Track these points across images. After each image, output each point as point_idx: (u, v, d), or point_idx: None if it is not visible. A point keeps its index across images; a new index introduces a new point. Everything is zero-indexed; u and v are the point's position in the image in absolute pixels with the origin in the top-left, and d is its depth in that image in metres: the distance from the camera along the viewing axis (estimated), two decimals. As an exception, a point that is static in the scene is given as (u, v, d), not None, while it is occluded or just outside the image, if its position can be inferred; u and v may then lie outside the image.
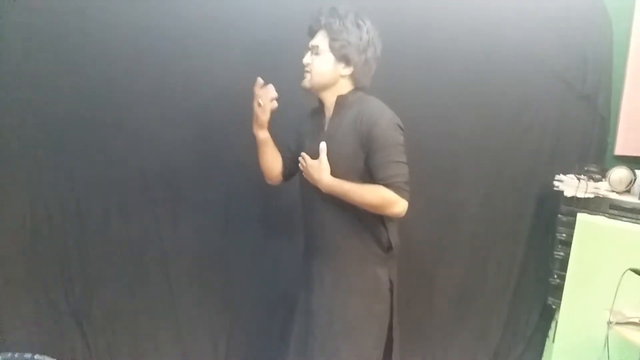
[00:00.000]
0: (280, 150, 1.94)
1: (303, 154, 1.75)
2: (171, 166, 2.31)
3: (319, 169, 1.69)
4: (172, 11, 2.23)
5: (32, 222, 2.26)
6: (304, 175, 1.75)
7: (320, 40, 1.73)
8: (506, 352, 2.65)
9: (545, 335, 2.58)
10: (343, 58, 1.72)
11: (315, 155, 1.71)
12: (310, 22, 1.76)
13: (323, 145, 1.68)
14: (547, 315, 2.55)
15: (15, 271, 2.27)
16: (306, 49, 1.76)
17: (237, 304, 2.45)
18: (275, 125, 1.88)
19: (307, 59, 1.75)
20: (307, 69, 1.75)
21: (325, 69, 1.73)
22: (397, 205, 1.65)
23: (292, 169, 1.93)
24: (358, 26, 1.71)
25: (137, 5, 2.21)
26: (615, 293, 1.76)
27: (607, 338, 1.79)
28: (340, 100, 1.76)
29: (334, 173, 1.68)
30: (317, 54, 1.73)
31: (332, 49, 1.71)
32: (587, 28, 2.49)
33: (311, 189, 1.75)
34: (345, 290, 1.77)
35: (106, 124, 2.25)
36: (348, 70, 1.74)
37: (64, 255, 2.30)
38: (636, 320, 1.72)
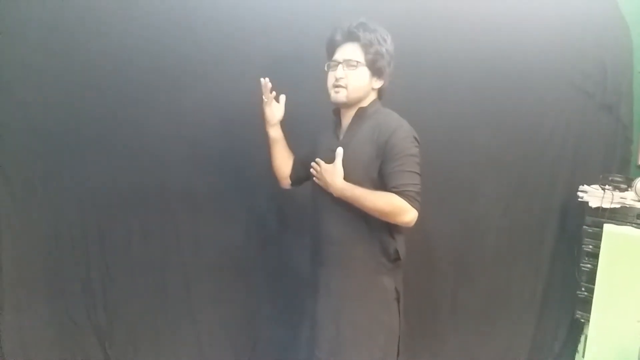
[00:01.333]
0: (293, 153, 1.98)
1: (318, 159, 1.75)
2: (192, 184, 2.32)
3: (332, 172, 1.69)
4: (189, 26, 2.25)
5: (55, 242, 2.28)
6: (316, 181, 1.76)
7: (355, 53, 1.72)
8: (534, 369, 2.59)
9: (574, 351, 2.50)
10: (377, 72, 1.74)
11: (329, 164, 1.73)
12: (334, 33, 1.74)
13: (340, 151, 1.68)
14: (576, 329, 2.49)
15: (38, 291, 2.28)
16: (330, 61, 1.75)
17: (260, 320, 2.43)
18: (291, 134, 1.92)
19: (341, 72, 1.71)
20: (340, 83, 1.71)
21: (362, 83, 1.74)
22: (408, 214, 1.65)
23: (300, 173, 1.94)
24: (385, 40, 1.74)
25: (152, 21, 2.23)
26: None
27: (640, 351, 1.73)
28: (361, 112, 1.77)
29: (348, 182, 1.69)
30: (352, 67, 1.71)
31: (368, 62, 1.72)
32: (604, 36, 2.47)
33: (321, 197, 1.76)
34: (351, 299, 1.77)
35: (126, 144, 2.27)
36: (379, 84, 1.77)
37: (86, 275, 2.31)
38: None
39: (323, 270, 1.81)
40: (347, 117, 1.80)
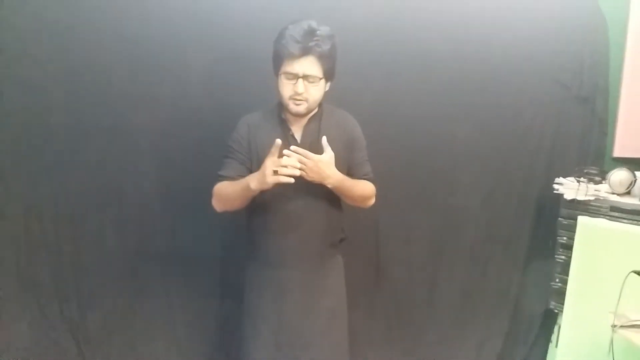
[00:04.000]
0: (236, 179, 1.79)
1: (304, 151, 1.64)
2: (167, 176, 2.29)
3: (329, 163, 1.66)
4: (169, 19, 2.22)
5: (26, 236, 2.24)
6: (304, 175, 1.65)
7: (313, 68, 1.69)
8: (509, 358, 2.62)
9: (548, 340, 2.55)
10: (331, 77, 1.77)
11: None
12: (289, 44, 1.65)
13: (325, 140, 1.67)
14: (550, 319, 2.53)
15: (9, 287, 2.24)
16: (287, 72, 1.68)
17: (238, 313, 2.41)
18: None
19: (302, 87, 1.69)
20: (300, 98, 1.70)
21: (321, 95, 1.76)
22: (374, 197, 1.89)
23: None
24: (334, 43, 1.72)
25: (131, 16, 2.20)
26: (619, 296, 1.74)
27: (611, 342, 1.76)
28: (317, 114, 1.81)
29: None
30: (312, 82, 1.70)
31: (325, 73, 1.72)
32: (583, 31, 2.49)
33: (290, 197, 1.75)
34: (328, 292, 1.86)
35: (100, 135, 2.23)
36: (327, 87, 1.79)
37: (59, 269, 2.27)
38: (641, 323, 1.70)
39: (287, 270, 1.82)
40: (300, 121, 1.79)
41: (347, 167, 1.82)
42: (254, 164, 1.78)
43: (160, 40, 2.22)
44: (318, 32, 1.67)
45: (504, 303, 2.61)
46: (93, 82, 2.22)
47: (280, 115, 1.80)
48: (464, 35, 2.41)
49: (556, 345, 2.38)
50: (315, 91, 1.73)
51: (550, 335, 2.53)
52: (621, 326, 1.72)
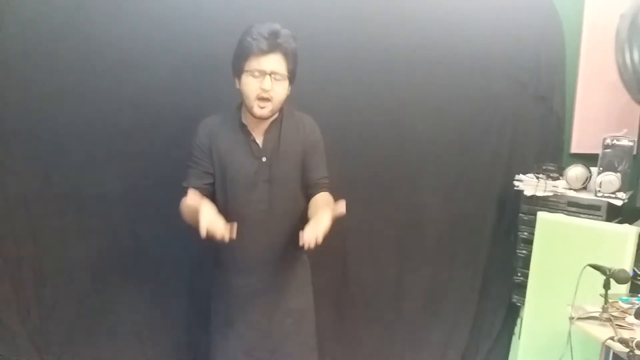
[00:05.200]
0: (202, 189, 1.76)
1: (320, 230, 1.54)
2: (128, 181, 2.24)
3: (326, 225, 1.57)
4: (133, 20, 2.18)
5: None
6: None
7: (280, 65, 1.69)
8: (474, 351, 2.68)
9: (511, 333, 2.61)
10: (292, 79, 1.75)
11: (249, 174, 1.73)
12: (256, 41, 1.65)
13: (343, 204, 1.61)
14: (513, 313, 2.59)
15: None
16: (254, 70, 1.66)
17: (203, 318, 2.39)
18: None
19: (269, 84, 1.67)
20: (267, 95, 1.67)
21: (284, 95, 1.74)
22: None
23: (213, 194, 1.80)
24: (296, 45, 1.74)
25: (95, 17, 2.15)
26: (576, 289, 1.80)
27: (569, 333, 1.82)
28: (279, 119, 1.79)
29: (283, 183, 1.77)
30: (278, 80, 1.69)
31: (289, 72, 1.71)
32: (539, 31, 2.55)
33: (255, 202, 1.75)
34: (295, 294, 1.89)
35: (59, 138, 2.17)
36: (289, 90, 1.77)
37: (18, 277, 2.21)
38: (596, 314, 1.76)
39: (257, 277, 1.82)
40: (261, 124, 1.77)
41: (305, 169, 1.82)
42: (216, 170, 1.76)
43: (123, 42, 2.18)
44: (283, 32, 1.68)
45: (469, 298, 2.66)
46: (51, 84, 2.15)
47: (240, 120, 1.78)
48: (424, 36, 2.44)
49: (519, 338, 2.45)
50: (281, 90, 1.71)
51: (514, 328, 2.59)
52: (578, 318, 1.78)
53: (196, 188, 1.72)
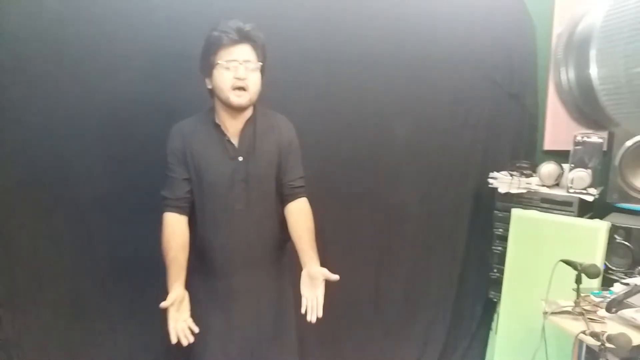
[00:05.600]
0: (181, 200, 1.75)
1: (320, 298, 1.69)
2: (102, 185, 2.19)
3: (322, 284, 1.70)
4: (105, 17, 2.13)
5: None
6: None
7: (252, 55, 1.69)
8: (453, 347, 2.72)
9: (489, 329, 2.65)
10: (263, 72, 1.74)
11: (226, 174, 1.72)
12: (225, 32, 1.66)
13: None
14: (490, 308, 2.63)
15: None
16: (225, 61, 1.66)
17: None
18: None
19: (243, 72, 1.66)
20: (243, 84, 1.66)
21: (259, 86, 1.72)
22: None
23: (193, 201, 1.79)
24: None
25: (67, 14, 2.09)
26: (549, 284, 1.83)
27: (543, 328, 1.85)
28: (254, 116, 1.78)
29: (260, 182, 1.76)
30: (251, 69, 1.68)
31: (261, 64, 1.71)
32: (511, 29, 2.59)
33: (233, 207, 1.74)
34: (275, 296, 1.88)
35: (29, 143, 2.12)
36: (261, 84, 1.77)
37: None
38: (569, 309, 1.79)
39: (238, 278, 1.81)
40: (237, 121, 1.76)
41: (280, 169, 1.81)
42: (192, 174, 1.75)
43: (96, 39, 2.13)
44: (249, 25, 1.69)
45: (447, 294, 2.69)
46: (20, 86, 2.10)
47: (214, 120, 1.76)
48: (401, 35, 2.46)
49: (496, 333, 2.48)
50: (256, 80, 1.70)
51: (491, 324, 2.63)
52: (552, 313, 1.82)
53: (178, 199, 1.73)
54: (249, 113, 1.77)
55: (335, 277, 1.65)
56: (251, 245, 1.79)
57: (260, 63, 1.70)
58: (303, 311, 1.65)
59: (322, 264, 2.51)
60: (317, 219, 2.44)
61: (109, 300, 2.28)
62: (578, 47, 0.39)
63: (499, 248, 2.44)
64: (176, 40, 2.18)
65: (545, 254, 2.11)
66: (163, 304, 1.56)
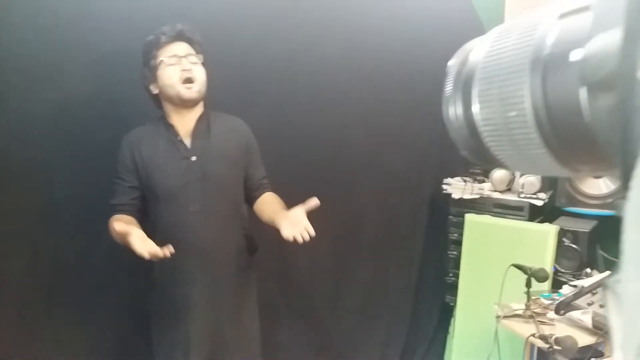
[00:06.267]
0: (128, 205, 1.73)
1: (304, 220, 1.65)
2: (47, 193, 2.11)
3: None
4: (49, 18, 2.05)
5: None
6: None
7: (190, 50, 1.71)
8: (412, 352, 2.74)
9: (447, 333, 2.68)
10: (206, 68, 1.75)
11: (178, 175, 1.70)
12: (163, 33, 1.69)
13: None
14: (448, 313, 2.66)
15: None
16: (167, 57, 1.68)
17: (130, 336, 2.29)
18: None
19: (188, 64, 1.68)
20: (190, 75, 1.67)
21: (205, 80, 1.72)
22: None
23: (141, 207, 1.77)
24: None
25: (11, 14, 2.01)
26: (501, 288, 1.87)
27: (496, 331, 1.89)
28: (205, 116, 1.77)
29: (218, 183, 1.73)
30: (195, 63, 1.70)
31: (203, 62, 1.73)
32: (462, 34, 2.63)
33: (192, 210, 1.71)
34: (239, 303, 1.84)
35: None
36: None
37: None
38: (520, 312, 1.83)
39: (199, 284, 1.75)
40: (188, 120, 1.74)
41: (244, 170, 1.83)
42: (143, 181, 1.72)
43: (39, 40, 2.06)
44: (184, 25, 1.72)
45: (405, 299, 2.72)
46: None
47: (166, 121, 1.74)
48: (356, 42, 2.47)
49: (452, 337, 2.52)
50: (201, 72, 1.71)
51: (449, 328, 2.66)
52: (504, 316, 1.85)
53: (122, 204, 1.71)
54: (199, 110, 1.75)
55: (315, 201, 1.66)
56: (210, 249, 1.74)
57: (201, 56, 1.72)
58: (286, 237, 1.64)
59: (281, 270, 2.52)
60: (274, 228, 2.43)
61: (56, 316, 2.20)
62: (464, 83, 0.40)
63: (454, 253, 2.48)
64: (121, 40, 2.13)
65: (498, 258, 2.15)
66: (123, 229, 1.48)
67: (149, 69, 1.69)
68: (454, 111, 0.44)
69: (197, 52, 1.72)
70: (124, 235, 1.50)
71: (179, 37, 1.69)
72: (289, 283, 2.56)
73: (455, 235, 2.47)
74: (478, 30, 2.65)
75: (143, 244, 1.49)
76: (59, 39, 2.07)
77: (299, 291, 2.58)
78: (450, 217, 2.49)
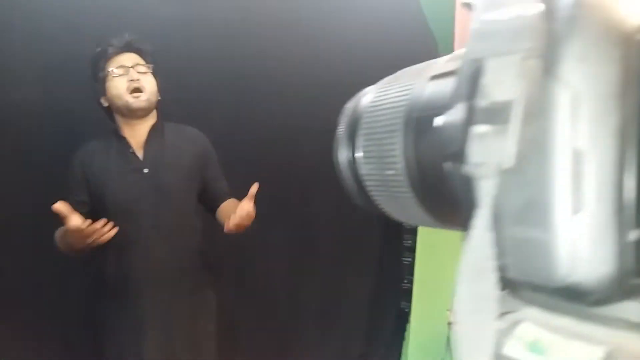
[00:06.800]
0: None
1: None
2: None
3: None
4: None
5: None
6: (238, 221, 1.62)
7: (139, 60, 1.70)
8: (369, 359, 2.75)
9: (402, 338, 2.70)
10: (157, 81, 1.74)
11: (128, 188, 1.67)
12: (110, 44, 1.68)
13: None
14: (404, 319, 2.68)
15: None
16: (115, 68, 1.67)
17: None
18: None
19: (136, 74, 1.66)
20: (138, 85, 1.66)
21: (155, 89, 1.71)
22: None
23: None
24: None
25: None
26: (453, 294, 1.90)
27: (448, 338, 1.91)
28: (158, 126, 1.75)
29: (171, 195, 1.70)
30: (143, 73, 1.68)
31: (152, 71, 1.72)
32: (412, 43, 2.66)
33: (141, 224, 1.68)
34: (183, 321, 1.77)
35: None
36: (159, 96, 1.76)
37: None
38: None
39: (149, 300, 1.71)
40: (140, 132, 1.72)
41: (202, 183, 1.80)
42: (94, 196, 1.69)
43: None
44: (132, 36, 1.71)
45: (362, 306, 2.73)
46: None
47: (117, 133, 1.72)
48: (311, 54, 2.47)
49: (408, 343, 2.54)
50: (151, 81, 1.69)
51: (404, 333, 2.69)
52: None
53: None
54: (151, 120, 1.73)
55: (255, 186, 1.65)
56: (163, 266, 1.70)
57: (152, 65, 1.71)
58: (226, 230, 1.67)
59: (237, 281, 2.49)
60: (231, 237, 2.41)
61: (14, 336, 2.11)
62: (351, 128, 0.39)
63: (408, 259, 2.50)
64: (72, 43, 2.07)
65: (451, 264, 2.17)
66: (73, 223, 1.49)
67: (98, 82, 1.68)
68: (344, 153, 0.43)
69: (148, 62, 1.70)
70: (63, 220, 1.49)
71: (127, 47, 1.68)
72: (245, 293, 2.53)
73: (410, 242, 2.49)
74: (431, 46, 2.69)
75: (77, 220, 1.47)
76: (4, 46, 2.01)
77: (254, 300, 2.56)
78: (403, 223, 2.51)
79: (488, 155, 0.23)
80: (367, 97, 0.41)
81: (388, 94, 0.38)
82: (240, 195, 1.89)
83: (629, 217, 0.21)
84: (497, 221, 0.24)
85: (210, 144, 1.87)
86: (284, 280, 2.61)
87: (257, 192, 2.40)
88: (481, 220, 0.25)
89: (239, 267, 2.51)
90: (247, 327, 2.56)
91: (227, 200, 1.85)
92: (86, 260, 1.78)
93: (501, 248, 0.24)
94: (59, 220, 1.54)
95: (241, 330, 2.54)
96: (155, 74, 1.74)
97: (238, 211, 1.61)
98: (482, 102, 0.23)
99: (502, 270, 0.24)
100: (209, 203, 1.84)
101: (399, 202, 0.37)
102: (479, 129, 0.23)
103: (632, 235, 0.21)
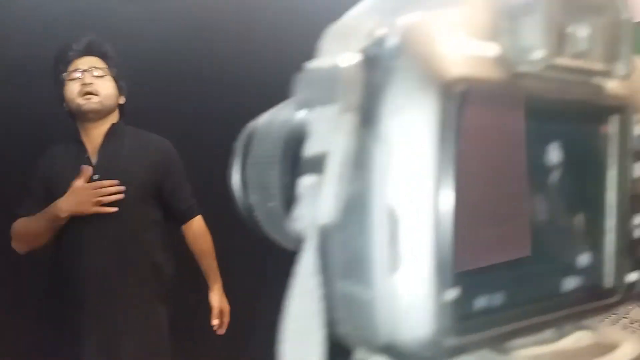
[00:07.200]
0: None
1: None
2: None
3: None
4: None
5: None
6: None
7: (97, 63, 1.67)
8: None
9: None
10: (120, 87, 1.71)
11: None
12: (69, 46, 1.66)
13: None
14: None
15: None
16: (68, 71, 1.65)
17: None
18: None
19: (89, 79, 1.63)
20: (90, 89, 1.62)
21: (112, 92, 1.68)
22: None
23: None
24: (120, 60, 1.74)
25: None
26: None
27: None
28: (116, 128, 1.71)
29: (124, 203, 1.63)
30: (98, 76, 1.65)
31: (112, 74, 1.68)
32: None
33: (85, 229, 1.62)
34: (128, 340, 1.68)
35: None
36: (122, 100, 1.73)
37: None
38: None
39: (89, 317, 1.65)
40: (95, 136, 1.68)
41: (158, 191, 1.73)
42: (49, 199, 1.63)
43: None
44: (94, 38, 1.69)
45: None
46: None
47: (77, 137, 1.69)
48: (285, 57, 2.43)
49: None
50: (106, 85, 1.66)
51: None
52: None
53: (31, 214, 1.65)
54: (106, 124, 1.68)
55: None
56: (108, 278, 1.64)
57: (110, 74, 1.67)
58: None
59: (197, 300, 2.42)
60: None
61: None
62: (244, 151, 0.37)
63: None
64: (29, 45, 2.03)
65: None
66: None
67: (57, 86, 1.66)
68: (237, 173, 0.40)
69: (110, 66, 1.67)
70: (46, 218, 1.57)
71: (87, 51, 1.66)
72: (206, 311, 2.49)
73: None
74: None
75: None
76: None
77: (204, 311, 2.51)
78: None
79: (310, 208, 0.22)
80: (263, 118, 0.39)
81: (277, 118, 0.36)
82: (215, 208, 1.85)
83: (445, 276, 0.20)
84: (325, 272, 0.23)
85: (176, 155, 1.80)
86: (244, 295, 2.56)
87: (216, 206, 2.36)
88: (305, 269, 0.25)
89: (199, 286, 2.45)
90: (206, 346, 2.51)
91: (192, 221, 1.80)
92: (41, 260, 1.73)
93: (330, 302, 0.23)
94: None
95: (200, 350, 2.48)
96: (118, 77, 1.70)
97: (213, 311, 1.83)
98: (306, 152, 0.22)
99: (332, 324, 0.23)
100: (174, 214, 1.78)
101: (283, 233, 0.36)
102: (305, 180, 0.22)
103: (449, 295, 0.20)
